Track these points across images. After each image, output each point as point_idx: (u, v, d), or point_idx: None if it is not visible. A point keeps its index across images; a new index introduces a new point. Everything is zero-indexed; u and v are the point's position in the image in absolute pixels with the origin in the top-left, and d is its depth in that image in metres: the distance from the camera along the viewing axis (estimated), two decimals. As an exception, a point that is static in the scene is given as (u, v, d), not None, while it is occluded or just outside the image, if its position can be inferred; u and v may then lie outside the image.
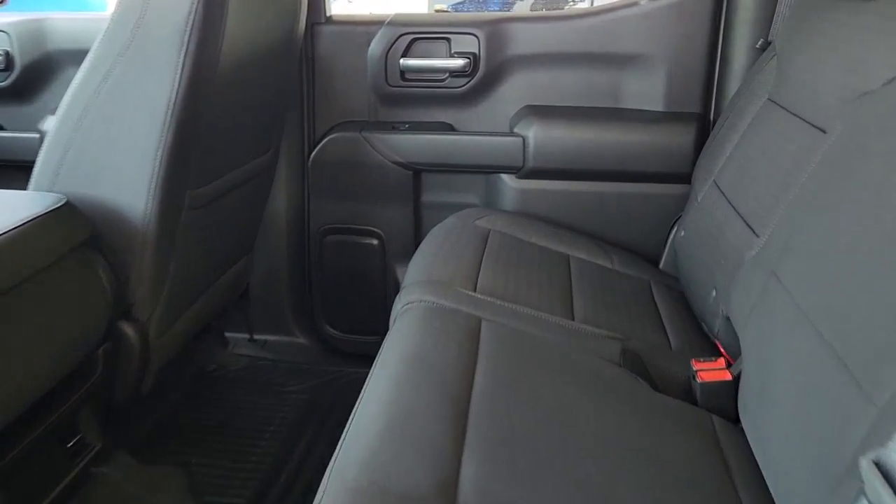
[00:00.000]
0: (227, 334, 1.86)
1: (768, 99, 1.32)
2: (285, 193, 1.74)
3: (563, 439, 0.87)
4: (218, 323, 1.82)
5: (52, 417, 1.04)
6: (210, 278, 1.47)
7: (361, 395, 0.92)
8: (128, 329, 1.21)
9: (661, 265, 1.59)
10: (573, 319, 1.21)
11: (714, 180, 1.38)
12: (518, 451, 0.83)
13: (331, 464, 0.78)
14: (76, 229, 1.07)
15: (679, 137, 1.59)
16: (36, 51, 1.77)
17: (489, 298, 1.19)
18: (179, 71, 1.12)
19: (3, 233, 0.93)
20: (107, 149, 1.12)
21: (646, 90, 1.64)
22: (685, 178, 1.59)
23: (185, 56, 1.12)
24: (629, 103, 1.66)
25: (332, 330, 1.84)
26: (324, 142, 1.71)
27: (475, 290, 1.22)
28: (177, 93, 1.11)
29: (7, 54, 1.77)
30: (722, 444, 0.97)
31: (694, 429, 0.99)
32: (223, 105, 1.24)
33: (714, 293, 1.21)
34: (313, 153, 1.72)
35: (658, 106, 1.64)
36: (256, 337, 1.87)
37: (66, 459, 1.13)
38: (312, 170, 1.72)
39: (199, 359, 1.75)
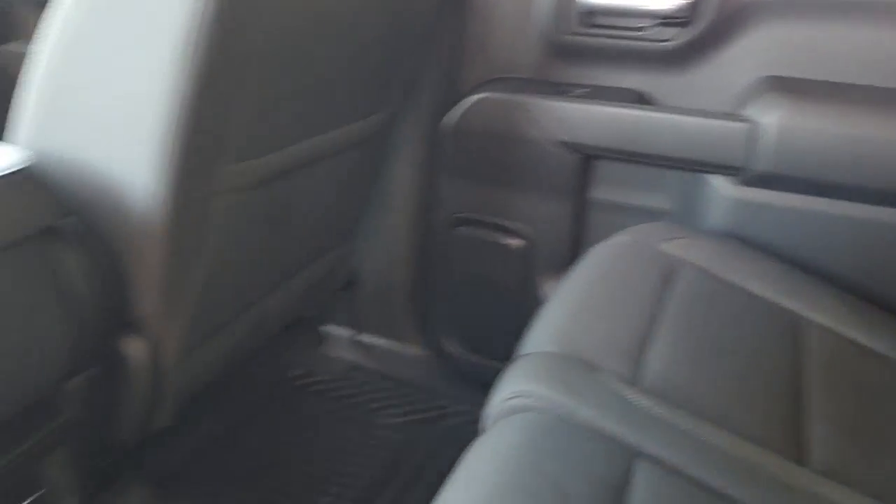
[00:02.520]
0: (327, 328, 1.51)
1: None
2: (408, 168, 1.33)
3: None
4: (312, 317, 1.47)
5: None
6: (274, 277, 1.10)
7: None
8: (131, 349, 0.86)
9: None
10: (804, 465, 0.69)
11: None
12: None
13: None
14: (41, 206, 0.72)
15: None
16: None
17: (655, 407, 0.69)
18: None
19: None
20: (98, 96, 0.76)
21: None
22: None
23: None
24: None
25: (451, 344, 1.43)
26: (465, 103, 1.26)
27: (633, 383, 0.73)
28: (202, 19, 0.71)
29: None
30: None
31: None
32: (291, 44, 0.83)
33: None
34: (449, 119, 1.27)
35: None
36: (361, 338, 1.50)
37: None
38: (446, 140, 1.29)
39: (284, 360, 1.42)
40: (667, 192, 1.21)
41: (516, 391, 0.69)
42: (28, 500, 0.83)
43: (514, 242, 1.32)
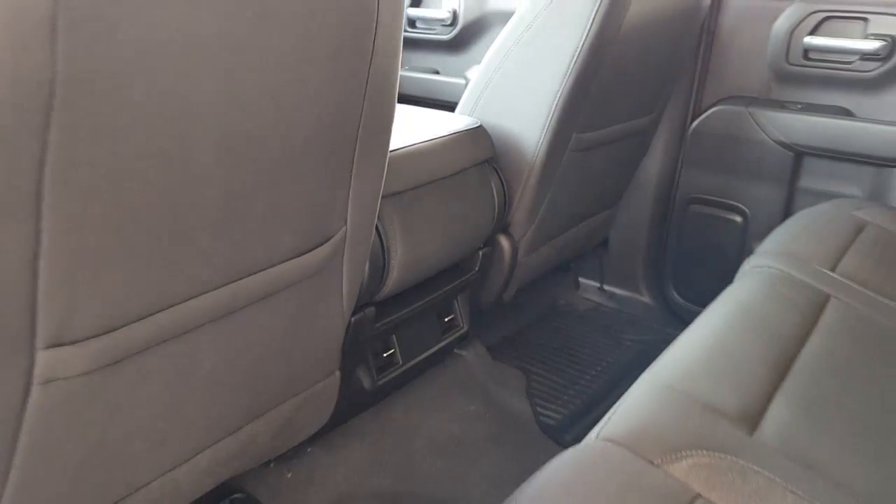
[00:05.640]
0: (581, 279, 2.04)
1: None
2: (659, 157, 1.84)
3: (884, 423, 0.85)
4: (574, 266, 2.01)
5: (437, 292, 1.31)
6: (576, 218, 1.65)
7: (688, 330, 1.00)
8: (503, 242, 1.44)
9: None
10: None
11: None
12: (831, 414, 0.84)
13: (645, 373, 0.89)
14: (481, 148, 1.31)
15: None
16: (477, 11, 2.11)
17: (846, 280, 1.15)
18: (587, 29, 1.28)
19: (427, 141, 1.20)
20: (516, 88, 1.35)
21: None
22: None
23: (595, 17, 1.28)
24: None
25: (676, 296, 1.90)
26: (708, 113, 1.75)
27: (833, 272, 1.19)
28: (581, 47, 1.28)
29: (454, 13, 2.14)
30: None
31: None
32: (619, 63, 1.38)
33: None
34: (695, 123, 1.77)
35: None
36: (606, 287, 2.01)
37: (440, 332, 1.41)
38: (691, 139, 1.79)
39: (553, 293, 1.96)
40: (859, 182, 1.63)
41: (756, 264, 1.18)
42: (446, 318, 1.42)
43: (736, 218, 1.78)
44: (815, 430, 0.81)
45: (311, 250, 0.87)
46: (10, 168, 0.53)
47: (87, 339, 0.66)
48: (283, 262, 0.83)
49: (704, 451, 0.74)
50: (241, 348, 0.86)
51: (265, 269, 0.81)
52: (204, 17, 0.61)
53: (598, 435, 0.78)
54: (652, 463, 0.73)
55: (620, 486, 0.70)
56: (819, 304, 1.06)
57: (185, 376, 0.79)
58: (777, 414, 0.82)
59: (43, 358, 0.63)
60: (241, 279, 0.79)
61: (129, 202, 0.63)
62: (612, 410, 0.81)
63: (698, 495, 0.70)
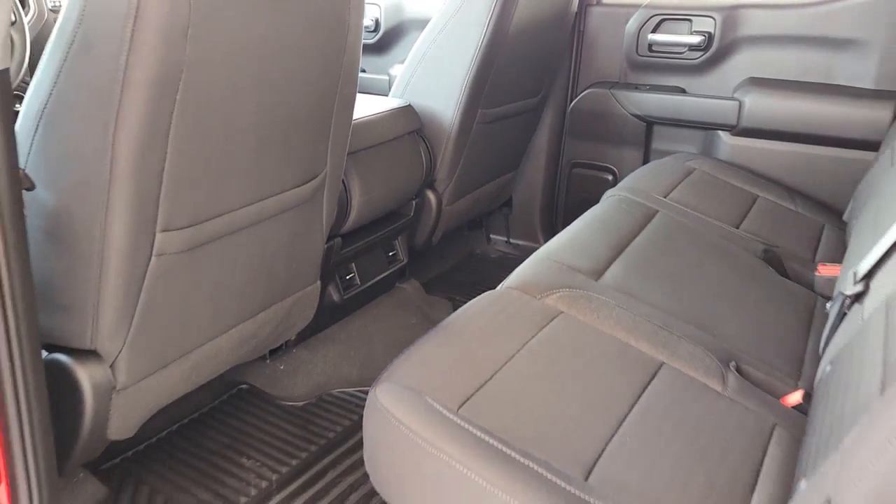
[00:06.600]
0: (492, 235, 2.51)
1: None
2: (547, 131, 2.32)
3: (688, 276, 1.34)
4: (486, 225, 2.47)
5: (383, 231, 1.74)
6: (485, 178, 2.11)
7: (563, 231, 1.47)
8: (430, 195, 1.88)
9: (844, 216, 1.89)
10: (737, 228, 1.63)
11: None
12: (649, 271, 1.32)
13: (533, 253, 1.35)
14: (411, 121, 1.75)
15: (880, 112, 1.86)
16: (395, 19, 2.55)
17: (671, 203, 1.65)
18: (484, 31, 1.74)
19: (372, 115, 1.63)
20: (434, 76, 1.79)
21: (858, 71, 1.92)
22: (874, 145, 1.86)
23: (489, 23, 1.74)
24: (840, 81, 1.95)
25: (568, 242, 2.39)
26: (582, 95, 2.25)
27: (664, 198, 1.69)
28: (481, 43, 1.74)
29: (377, 21, 2.56)
30: (815, 314, 1.35)
31: (796, 299, 1.38)
32: (509, 56, 1.85)
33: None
34: (573, 103, 2.27)
35: (868, 84, 1.91)
36: (511, 240, 2.48)
37: (386, 263, 1.84)
38: (571, 116, 2.28)
39: (471, 244, 2.42)
40: (694, 142, 2.16)
41: (610, 194, 1.66)
42: (390, 253, 1.85)
43: (608, 177, 2.28)
44: (637, 278, 1.29)
45: (305, 183, 1.28)
46: (158, 115, 0.93)
47: (183, 228, 1.06)
48: (289, 190, 1.24)
49: (567, 289, 1.20)
50: (261, 253, 1.26)
51: (278, 194, 1.22)
52: (253, 25, 1.02)
53: (501, 286, 1.23)
54: (535, 297, 1.18)
55: (514, 310, 1.15)
56: (649, 216, 1.56)
57: (230, 264, 1.19)
58: (614, 271, 1.29)
59: (159, 238, 1.03)
60: (264, 199, 1.19)
61: (208, 141, 1.03)
62: (511, 273, 1.26)
63: (561, 312, 1.16)
